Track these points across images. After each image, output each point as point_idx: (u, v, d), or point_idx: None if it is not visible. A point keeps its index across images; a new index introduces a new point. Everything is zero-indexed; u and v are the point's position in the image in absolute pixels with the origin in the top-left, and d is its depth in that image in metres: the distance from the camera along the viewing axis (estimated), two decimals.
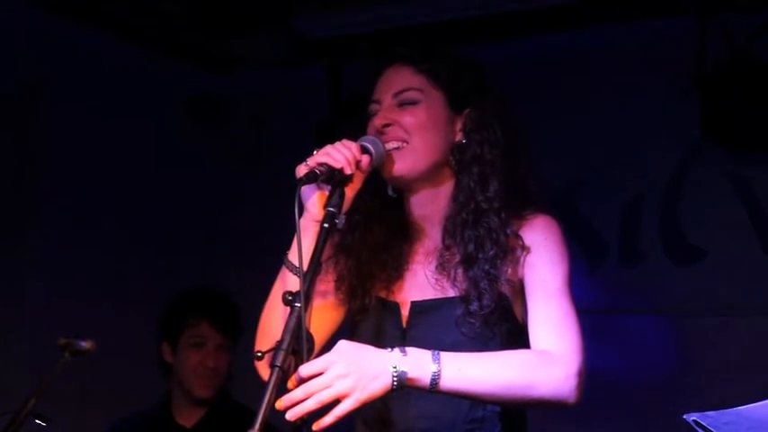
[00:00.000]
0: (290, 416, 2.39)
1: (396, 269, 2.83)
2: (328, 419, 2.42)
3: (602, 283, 5.29)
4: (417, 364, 2.50)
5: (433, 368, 2.50)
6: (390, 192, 2.85)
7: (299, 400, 2.39)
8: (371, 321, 2.81)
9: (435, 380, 2.50)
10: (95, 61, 5.36)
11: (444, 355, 2.53)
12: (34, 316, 5.11)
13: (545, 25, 5.36)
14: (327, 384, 2.40)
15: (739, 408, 2.47)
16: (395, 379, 2.47)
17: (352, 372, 2.43)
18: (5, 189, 5.16)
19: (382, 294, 2.82)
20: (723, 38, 5.00)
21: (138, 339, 4.67)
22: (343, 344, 2.49)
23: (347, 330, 2.85)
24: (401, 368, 2.47)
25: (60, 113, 5.31)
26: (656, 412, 4.43)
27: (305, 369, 2.40)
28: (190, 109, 6.03)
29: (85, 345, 3.53)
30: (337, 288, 2.83)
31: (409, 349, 2.52)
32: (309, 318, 2.51)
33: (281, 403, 2.37)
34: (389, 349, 2.51)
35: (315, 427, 2.42)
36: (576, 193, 5.42)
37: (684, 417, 2.53)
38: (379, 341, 2.71)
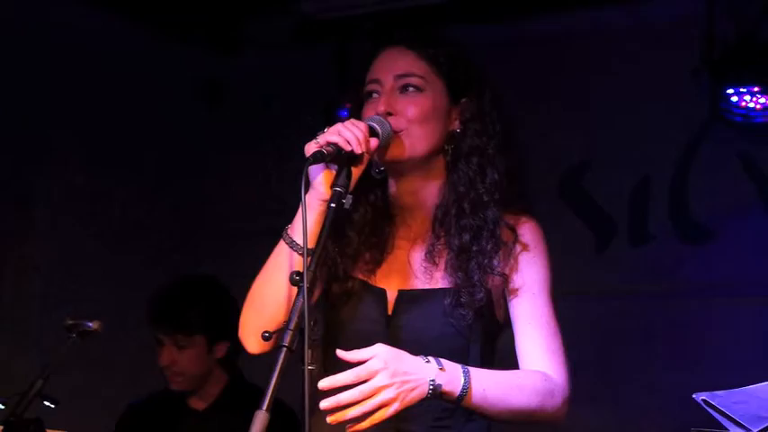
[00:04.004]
0: (332, 419, 2.42)
1: (380, 252, 2.81)
2: (366, 425, 2.45)
3: (612, 263, 5.29)
4: (451, 378, 2.53)
5: (464, 384, 2.54)
6: (375, 173, 2.79)
7: (345, 404, 2.41)
8: (353, 305, 2.78)
9: (462, 397, 2.54)
10: (102, 43, 5.36)
11: (473, 372, 2.56)
12: (43, 297, 5.12)
13: (555, 5, 5.34)
14: (373, 392, 2.43)
15: (749, 387, 2.47)
16: (430, 391, 2.50)
17: (396, 382, 2.45)
18: (13, 172, 5.17)
19: (364, 278, 2.80)
20: (731, 19, 4.98)
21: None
22: (382, 350, 2.49)
23: (321, 312, 2.83)
24: (438, 381, 2.50)
25: (67, 96, 5.30)
26: (665, 391, 4.43)
27: (350, 375, 2.43)
28: (198, 91, 6.02)
29: (93, 325, 3.52)
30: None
31: (444, 362, 2.54)
32: (315, 297, 2.52)
33: (325, 403, 2.40)
34: (426, 359, 2.52)
35: (349, 430, 2.45)
36: (585, 172, 5.41)
37: (694, 396, 2.53)
38: (362, 326, 2.73)
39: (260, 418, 2.22)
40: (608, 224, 5.43)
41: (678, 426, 2.72)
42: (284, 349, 2.29)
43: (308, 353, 2.29)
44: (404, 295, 2.75)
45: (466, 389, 2.53)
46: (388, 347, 2.50)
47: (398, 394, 2.44)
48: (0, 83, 5.02)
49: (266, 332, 2.41)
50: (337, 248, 2.78)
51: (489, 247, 2.72)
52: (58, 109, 5.31)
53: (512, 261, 2.74)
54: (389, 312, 2.75)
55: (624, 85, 5.31)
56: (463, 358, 2.63)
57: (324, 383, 2.41)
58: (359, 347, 2.63)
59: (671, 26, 5.20)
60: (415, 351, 2.61)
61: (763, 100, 4.94)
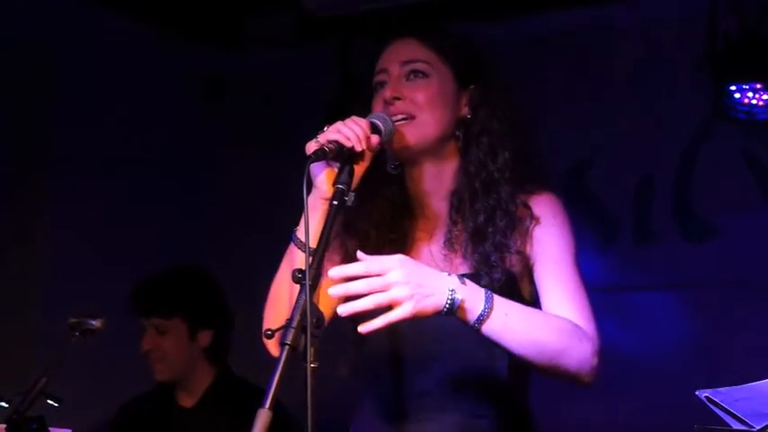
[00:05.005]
0: (343, 311, 2.41)
1: (401, 247, 2.82)
2: (378, 323, 2.42)
3: (616, 260, 5.29)
4: (472, 295, 2.50)
5: (485, 305, 2.50)
6: (390, 168, 2.82)
7: (356, 295, 2.40)
8: None
9: (482, 318, 2.50)
10: (105, 40, 5.36)
11: (496, 296, 2.53)
12: (47, 296, 5.12)
13: (556, 2, 5.34)
14: (385, 287, 2.40)
15: (753, 383, 2.47)
16: (448, 302, 2.46)
17: (412, 282, 2.42)
18: (17, 169, 5.17)
19: None
20: (734, 15, 4.97)
21: None
22: (400, 256, 2.48)
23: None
24: (457, 294, 2.47)
25: (70, 93, 5.31)
26: (669, 389, 4.42)
27: (361, 266, 2.42)
28: (200, 88, 6.02)
29: (96, 323, 3.52)
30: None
31: (467, 279, 2.52)
32: (319, 295, 2.51)
33: (334, 290, 2.39)
34: (448, 273, 2.51)
35: (361, 328, 2.43)
36: (588, 170, 5.41)
37: (697, 393, 2.53)
38: None
39: (262, 417, 2.21)
40: (611, 222, 5.43)
41: (681, 423, 2.71)
42: (286, 347, 2.29)
43: (310, 350, 2.29)
44: None
45: (487, 310, 2.49)
46: (408, 257, 2.49)
47: (413, 295, 2.41)
48: None
49: (269, 330, 2.41)
50: (361, 248, 2.80)
51: (503, 224, 2.72)
52: (57, 106, 5.31)
53: (528, 237, 2.75)
54: None
55: (627, 82, 5.31)
56: (489, 341, 2.61)
57: (333, 272, 2.41)
58: (384, 341, 2.71)
59: (673, 23, 5.19)
60: (439, 339, 2.67)
61: (765, 96, 4.93)
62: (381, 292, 2.40)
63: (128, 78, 5.48)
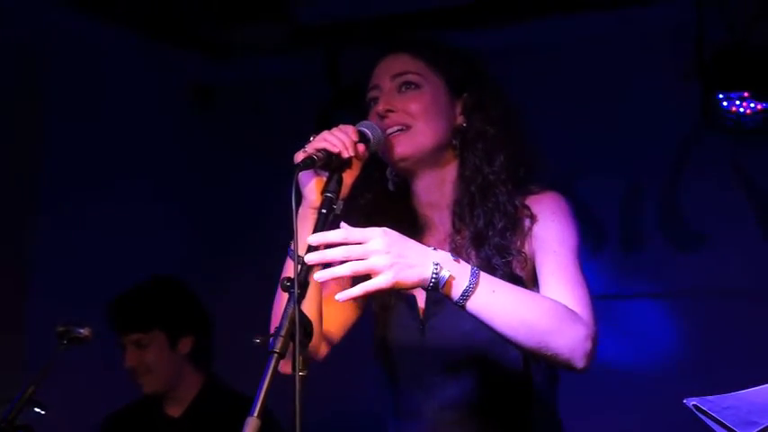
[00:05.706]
0: (319, 277, 2.37)
1: None
2: (356, 291, 2.38)
3: (603, 268, 5.29)
4: (458, 271, 2.44)
5: (471, 280, 2.44)
6: (391, 186, 2.85)
7: (332, 261, 2.36)
8: (392, 315, 2.83)
9: (467, 293, 2.44)
10: (93, 48, 5.36)
11: (483, 273, 2.48)
12: (36, 304, 5.11)
13: (544, 10, 5.35)
14: (364, 255, 2.36)
15: (740, 392, 2.46)
16: (433, 276, 2.40)
17: (393, 252, 2.37)
18: (7, 179, 5.16)
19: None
20: (722, 22, 4.99)
21: None
22: (384, 228, 2.43)
23: (369, 324, 2.88)
24: (444, 271, 2.41)
25: (58, 101, 5.31)
26: (657, 397, 4.43)
27: (341, 233, 2.38)
28: (188, 96, 6.02)
29: (84, 332, 3.52)
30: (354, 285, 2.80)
31: (454, 255, 2.48)
32: (318, 305, 2.52)
33: (311, 257, 2.34)
34: (434, 248, 2.47)
35: (338, 296, 2.40)
36: (576, 178, 5.41)
37: (685, 401, 2.52)
38: (399, 334, 2.78)
39: (251, 425, 2.21)
40: (599, 229, 5.43)
41: (667, 431, 2.72)
42: (275, 355, 2.29)
43: (299, 359, 2.28)
44: (432, 296, 2.74)
45: (472, 285, 2.43)
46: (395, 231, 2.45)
47: (393, 264, 2.36)
48: None
49: (257, 338, 2.41)
50: None
51: (501, 226, 2.72)
52: (51, 111, 5.31)
53: (528, 236, 2.75)
54: (422, 316, 2.78)
55: (615, 90, 5.32)
56: (503, 346, 2.61)
57: (312, 239, 2.38)
58: (398, 357, 2.75)
59: (662, 32, 5.20)
60: (450, 349, 2.68)
61: (753, 105, 4.95)
62: (360, 260, 2.37)
63: (118, 87, 5.49)
